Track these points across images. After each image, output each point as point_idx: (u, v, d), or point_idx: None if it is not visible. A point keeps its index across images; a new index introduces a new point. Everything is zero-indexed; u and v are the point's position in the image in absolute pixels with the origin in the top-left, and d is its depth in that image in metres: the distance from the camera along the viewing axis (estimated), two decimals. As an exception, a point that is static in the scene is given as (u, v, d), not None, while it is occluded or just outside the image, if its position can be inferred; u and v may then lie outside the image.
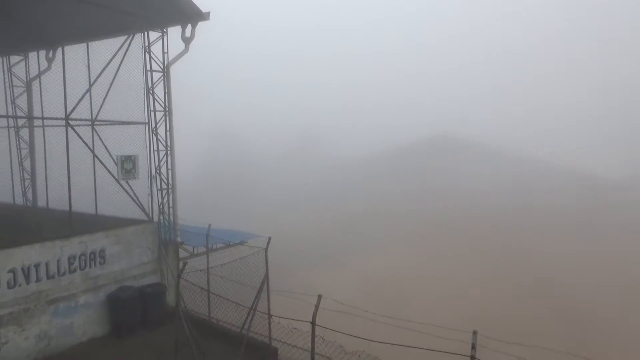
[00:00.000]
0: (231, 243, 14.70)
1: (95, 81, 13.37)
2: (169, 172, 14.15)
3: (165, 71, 13.89)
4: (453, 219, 27.31)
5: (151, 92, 13.73)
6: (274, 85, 59.30)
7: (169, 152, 14.12)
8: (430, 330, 8.82)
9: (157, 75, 13.83)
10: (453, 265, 20.71)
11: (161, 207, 13.85)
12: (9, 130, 17.58)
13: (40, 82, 16.22)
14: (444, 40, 60.16)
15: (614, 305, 16.01)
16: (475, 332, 6.75)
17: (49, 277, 11.18)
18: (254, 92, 59.03)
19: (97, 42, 14.35)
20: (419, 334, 9.08)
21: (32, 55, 17.01)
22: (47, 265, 11.15)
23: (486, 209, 28.93)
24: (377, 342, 8.07)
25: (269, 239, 11.38)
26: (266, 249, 11.34)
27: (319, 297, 9.00)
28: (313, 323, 9.02)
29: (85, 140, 12.88)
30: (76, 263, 11.73)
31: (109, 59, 13.30)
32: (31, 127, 17.31)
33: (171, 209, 14.10)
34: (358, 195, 33.90)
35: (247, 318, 10.39)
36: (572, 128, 41.87)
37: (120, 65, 13.31)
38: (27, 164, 17.64)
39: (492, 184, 33.38)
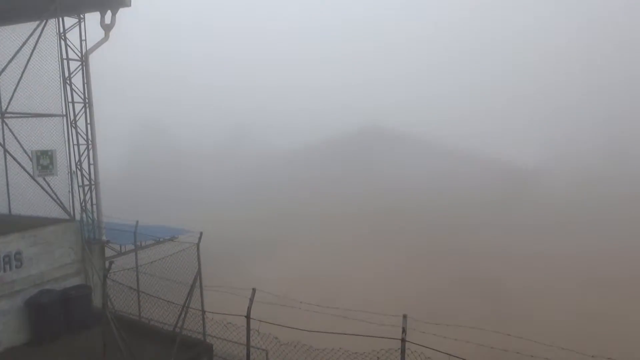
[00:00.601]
0: (161, 239, 14.21)
1: (2, 71, 12.32)
2: (91, 167, 13.38)
3: (84, 60, 13.06)
4: (385, 209, 28.08)
5: (68, 82, 12.86)
6: (207, 83, 57.98)
7: (90, 147, 13.33)
8: (365, 317, 9.03)
9: (75, 65, 12.98)
10: (386, 253, 21.32)
11: (83, 204, 13.08)
12: None
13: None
14: (372, 33, 61.39)
15: (534, 288, 17.14)
16: (405, 316, 6.99)
17: (-44, 284, 10.27)
18: (186, 89, 57.37)
19: (4, 27, 13.22)
20: (354, 321, 9.28)
21: None
22: (-47, 271, 10.23)
23: (416, 199, 29.99)
24: (311, 331, 8.14)
25: (201, 234, 11.13)
26: (198, 244, 11.07)
27: (253, 290, 8.94)
28: (248, 317, 8.94)
29: (-6, 134, 11.89)
30: (-12, 268, 10.84)
31: (19, 46, 12.30)
32: None
33: (95, 206, 13.36)
34: (291, 188, 33.99)
35: (179, 316, 10.12)
36: (494, 117, 44.17)
37: (32, 53, 12.34)
38: None
39: (421, 174, 34.64)
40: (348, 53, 59.33)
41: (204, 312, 10.67)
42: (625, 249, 20.19)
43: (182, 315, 10.04)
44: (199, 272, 10.60)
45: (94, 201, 13.34)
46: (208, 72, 60.84)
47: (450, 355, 6.43)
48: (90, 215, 13.15)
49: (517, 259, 20.08)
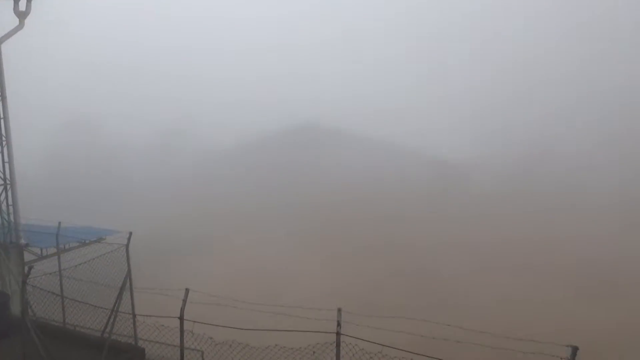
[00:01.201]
0: (87, 241, 13.48)
1: None
2: (6, 165, 12.42)
3: (-5, 50, 12.05)
4: (321, 204, 28.26)
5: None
6: (140, 77, 55.39)
7: (4, 143, 12.36)
8: (302, 312, 9.03)
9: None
10: (322, 248, 21.47)
11: (-3, 205, 12.13)
12: None
13: None
14: (304, 30, 61.33)
15: (467, 277, 17.86)
16: (339, 310, 7.06)
17: None
18: (117, 84, 54.53)
19: None
20: (292, 317, 9.26)
21: None
22: None
23: (353, 193, 30.42)
24: (246, 329, 8.04)
25: (130, 234, 10.65)
26: (127, 245, 10.59)
27: (187, 290, 8.68)
28: (181, 318, 8.67)
29: None
30: None
31: None
32: None
33: (11, 207, 12.42)
34: (225, 187, 33.40)
35: (108, 320, 9.65)
36: (427, 114, 45.50)
37: None
38: None
39: (357, 169, 35.20)
40: (288, 45, 58.92)
41: (134, 315, 10.24)
42: (546, 237, 21.55)
43: (111, 320, 9.59)
44: (128, 274, 10.16)
45: (10, 201, 12.40)
46: (158, 62, 57.74)
47: (383, 345, 6.57)
48: (6, 217, 12.22)
49: (450, 249, 20.90)
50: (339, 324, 6.94)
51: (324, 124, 44.35)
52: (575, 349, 5.38)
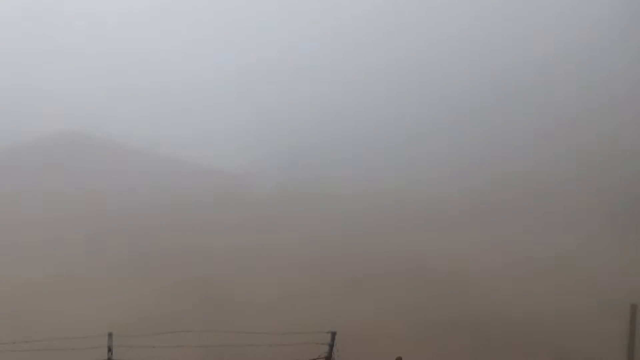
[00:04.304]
0: None
1: None
2: None
3: None
4: (92, 222, 25.61)
5: None
6: None
7: None
8: (69, 343, 8.09)
9: None
10: (91, 267, 19.38)
11: None
12: None
13: None
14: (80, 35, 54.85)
15: (247, 283, 18.23)
16: (110, 335, 6.60)
17: None
18: None
19: None
20: (57, 352, 8.24)
21: None
22: None
23: (127, 210, 28.31)
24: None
25: None
26: None
27: None
28: None
29: None
30: None
31: None
32: None
33: None
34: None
35: None
36: (202, 122, 45.04)
37: None
38: None
39: (132, 183, 32.95)
40: (47, 52, 51.62)
41: None
42: (316, 237, 23.56)
43: None
44: None
45: None
46: None
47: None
48: None
49: (229, 257, 21.12)
50: (110, 350, 6.48)
51: (96, 135, 40.32)
52: (333, 334, 6.15)
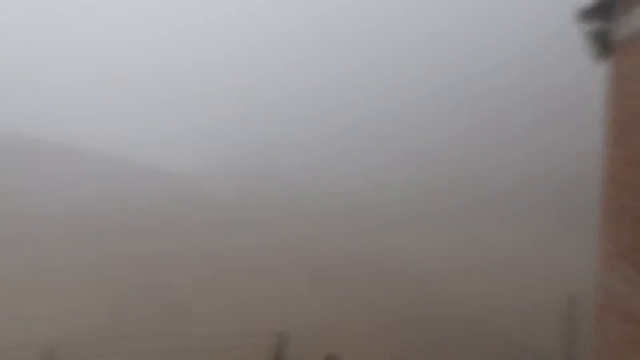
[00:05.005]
0: None
1: None
2: None
3: None
4: (39, 225, 24.42)
5: None
6: None
7: None
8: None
9: None
10: (33, 276, 18.48)
11: None
12: None
13: None
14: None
15: (198, 285, 17.92)
16: (51, 348, 6.36)
17: None
18: None
19: None
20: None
21: None
22: None
23: (74, 212, 27.20)
24: None
25: None
26: None
27: None
28: None
29: None
30: None
31: None
32: None
33: None
34: None
35: None
36: (149, 126, 44.13)
37: None
38: None
39: (73, 186, 31.66)
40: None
41: None
42: (271, 240, 23.48)
43: None
44: None
45: None
46: None
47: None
48: None
49: (178, 259, 20.73)
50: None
51: (34, 137, 38.39)
52: (282, 334, 6.21)
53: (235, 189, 35.09)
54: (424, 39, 49.42)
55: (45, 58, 50.49)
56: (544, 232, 23.06)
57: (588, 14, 6.48)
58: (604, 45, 6.36)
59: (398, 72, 49.38)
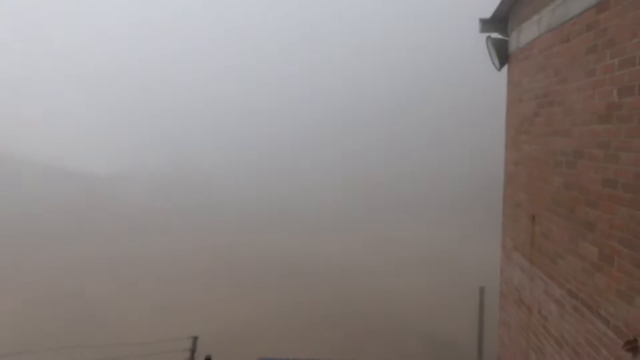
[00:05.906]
0: None
1: None
2: None
3: None
4: None
5: None
6: None
7: None
8: None
9: None
10: None
11: None
12: None
13: None
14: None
15: (113, 292, 17.14)
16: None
17: None
18: None
19: None
20: None
21: None
22: None
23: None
24: None
25: None
26: None
27: None
28: None
29: None
30: None
31: None
32: None
33: None
34: None
35: None
36: (64, 127, 41.60)
37: None
38: None
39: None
40: None
41: None
42: (181, 248, 22.85)
43: None
44: None
45: None
46: None
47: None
48: None
49: (95, 266, 19.77)
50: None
51: None
52: (195, 338, 6.15)
53: (150, 192, 34.01)
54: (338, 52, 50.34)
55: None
56: (460, 230, 24.31)
57: (487, 26, 7.03)
58: (501, 54, 6.92)
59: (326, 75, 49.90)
